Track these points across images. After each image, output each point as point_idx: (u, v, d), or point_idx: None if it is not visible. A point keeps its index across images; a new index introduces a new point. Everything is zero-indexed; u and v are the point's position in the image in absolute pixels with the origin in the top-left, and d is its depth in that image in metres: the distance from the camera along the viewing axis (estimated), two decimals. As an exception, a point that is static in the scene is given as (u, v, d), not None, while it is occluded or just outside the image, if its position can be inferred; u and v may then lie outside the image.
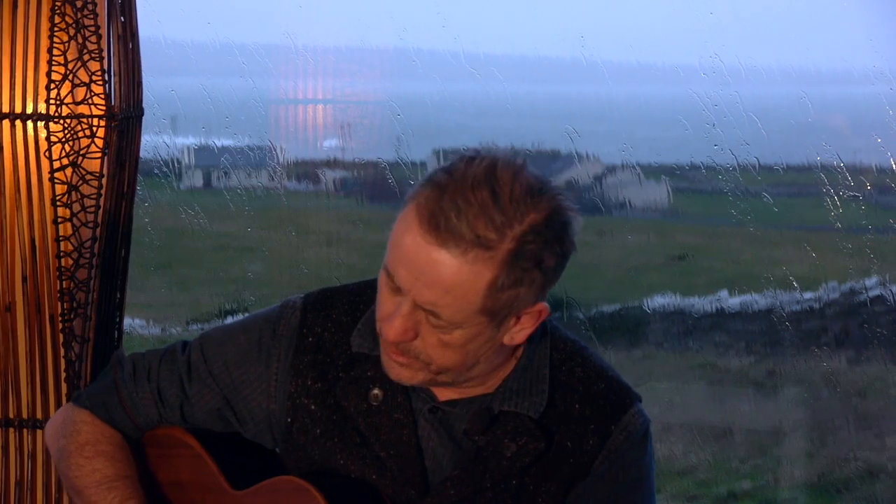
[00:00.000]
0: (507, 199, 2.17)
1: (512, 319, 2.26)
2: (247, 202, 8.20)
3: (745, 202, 7.11)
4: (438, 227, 2.16)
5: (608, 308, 8.13)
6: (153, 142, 7.38)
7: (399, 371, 2.28)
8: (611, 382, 2.35)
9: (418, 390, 2.35)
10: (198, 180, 8.85)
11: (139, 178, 3.28)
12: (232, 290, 8.30)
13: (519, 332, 2.28)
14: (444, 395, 2.35)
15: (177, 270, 8.82)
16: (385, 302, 2.26)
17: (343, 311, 2.41)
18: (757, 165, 7.07)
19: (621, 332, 7.96)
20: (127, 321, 8.27)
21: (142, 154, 3.30)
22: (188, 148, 8.61)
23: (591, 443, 2.30)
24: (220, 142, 8.43)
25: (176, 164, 8.09)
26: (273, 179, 8.50)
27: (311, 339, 2.40)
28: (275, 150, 8.29)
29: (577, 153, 7.54)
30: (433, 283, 2.18)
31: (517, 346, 2.34)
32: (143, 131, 3.27)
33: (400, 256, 2.21)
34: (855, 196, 6.86)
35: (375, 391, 2.35)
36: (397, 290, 2.23)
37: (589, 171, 7.95)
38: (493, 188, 2.16)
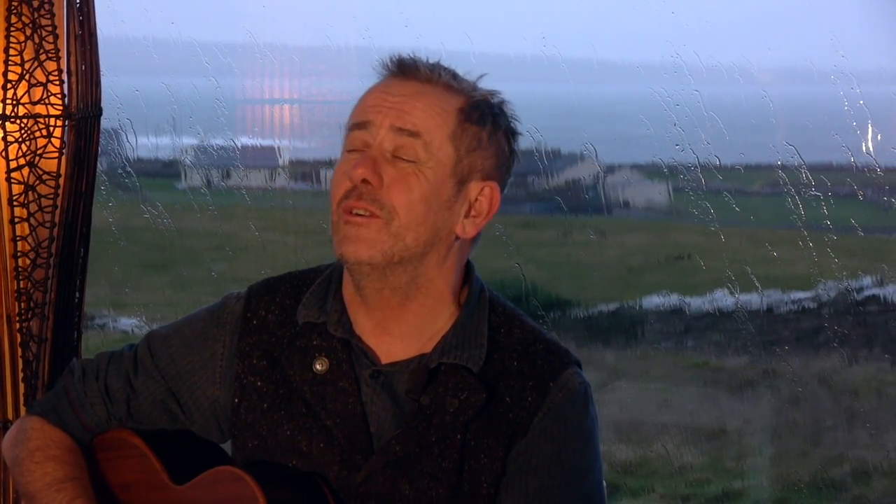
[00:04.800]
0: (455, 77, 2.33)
1: (470, 189, 2.29)
2: (211, 201, 8.19)
3: (706, 201, 7.14)
4: (407, 71, 2.29)
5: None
6: (120, 141, 7.36)
7: (357, 238, 2.28)
8: (549, 345, 2.37)
9: (361, 355, 2.36)
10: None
11: (101, 177, 3.27)
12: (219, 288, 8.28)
13: (472, 221, 2.31)
14: (386, 355, 2.36)
15: (173, 270, 8.80)
16: (348, 160, 2.30)
17: (286, 293, 2.44)
18: (718, 164, 7.10)
19: (618, 332, 7.98)
20: (125, 321, 8.22)
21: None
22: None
23: (529, 399, 2.31)
24: (183, 141, 8.41)
25: (136, 164, 8.06)
26: (271, 179, 8.49)
27: (255, 322, 2.43)
28: (237, 150, 8.28)
29: (538, 151, 7.55)
30: (409, 101, 2.27)
31: (461, 296, 2.37)
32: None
33: (370, 99, 2.30)
34: (816, 195, 6.89)
35: (320, 360, 2.37)
36: (364, 141, 2.28)
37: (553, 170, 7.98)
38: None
